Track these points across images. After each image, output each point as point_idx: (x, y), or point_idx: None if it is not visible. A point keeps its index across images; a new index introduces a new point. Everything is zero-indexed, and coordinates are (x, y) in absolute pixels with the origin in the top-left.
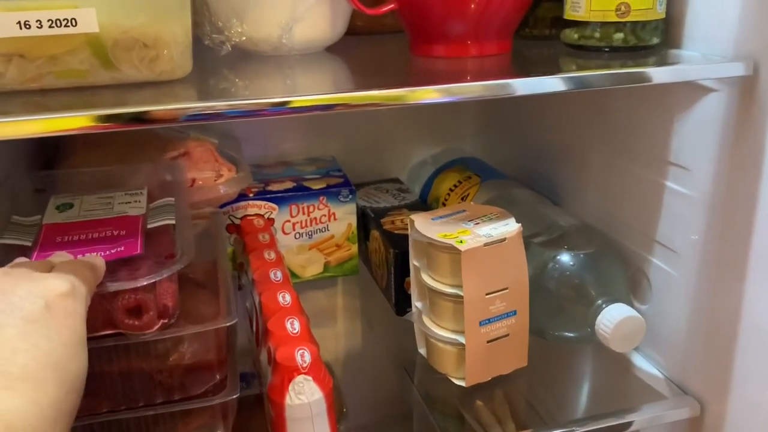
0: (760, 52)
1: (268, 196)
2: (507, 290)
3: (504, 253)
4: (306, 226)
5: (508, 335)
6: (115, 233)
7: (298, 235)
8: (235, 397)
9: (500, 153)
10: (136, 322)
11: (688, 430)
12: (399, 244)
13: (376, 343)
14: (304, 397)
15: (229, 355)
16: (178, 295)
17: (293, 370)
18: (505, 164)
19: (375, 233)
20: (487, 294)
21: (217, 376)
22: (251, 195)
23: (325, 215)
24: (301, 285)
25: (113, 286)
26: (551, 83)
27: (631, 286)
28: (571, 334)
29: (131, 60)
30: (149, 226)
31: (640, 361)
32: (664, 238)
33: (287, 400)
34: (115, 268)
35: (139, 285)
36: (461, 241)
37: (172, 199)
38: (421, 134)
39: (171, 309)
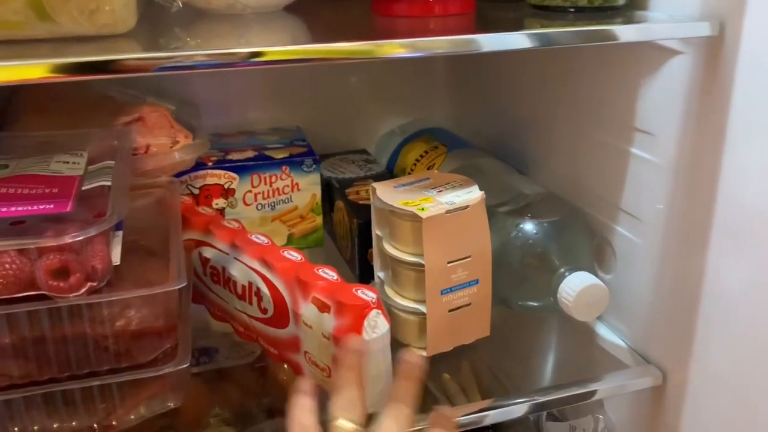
0: (726, 12)
1: (228, 165)
2: (469, 258)
3: (466, 220)
4: (268, 196)
5: (470, 304)
6: (47, 191)
7: (260, 206)
8: (185, 366)
9: (469, 123)
10: (62, 284)
11: (650, 398)
12: (363, 214)
13: None
14: (379, 330)
15: (180, 322)
16: (122, 262)
17: (365, 307)
18: (473, 134)
19: (339, 204)
20: (448, 262)
21: (167, 344)
22: (210, 164)
23: (288, 186)
24: None
25: (36, 243)
26: (517, 39)
27: (596, 254)
28: (535, 303)
29: (69, 11)
30: (84, 188)
31: (603, 331)
32: (629, 206)
33: (365, 336)
34: (43, 227)
35: (63, 243)
36: (423, 209)
37: (112, 162)
38: (389, 105)
39: (100, 271)
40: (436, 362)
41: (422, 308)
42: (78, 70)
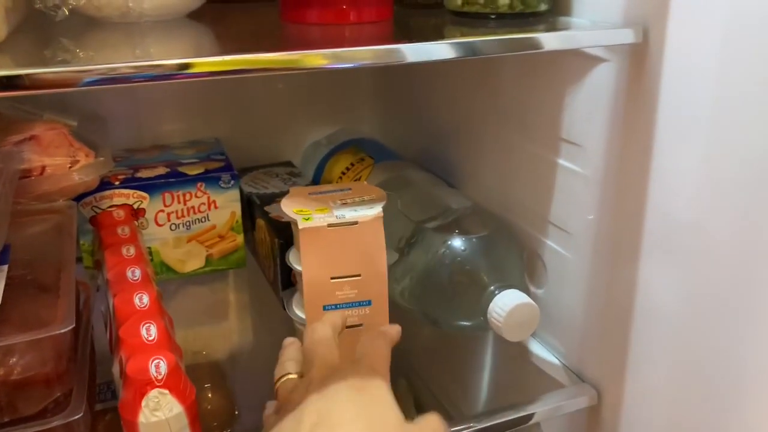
0: (650, 18)
1: (136, 183)
2: (359, 277)
3: (355, 237)
4: (183, 216)
5: (361, 325)
6: None
7: (174, 227)
8: (78, 416)
9: (396, 134)
10: None
11: (586, 417)
12: (285, 233)
13: (269, 339)
14: (161, 414)
15: (73, 367)
16: (3, 301)
17: (146, 384)
18: (402, 146)
19: (260, 222)
20: (332, 278)
21: (58, 392)
22: (117, 183)
23: (204, 203)
24: (184, 281)
25: None
26: (441, 50)
27: (526, 268)
28: (466, 323)
29: None
30: None
31: (538, 349)
32: (557, 219)
33: (141, 418)
34: None
35: None
36: (308, 218)
37: None
38: (315, 114)
39: None
40: None
41: None
42: None
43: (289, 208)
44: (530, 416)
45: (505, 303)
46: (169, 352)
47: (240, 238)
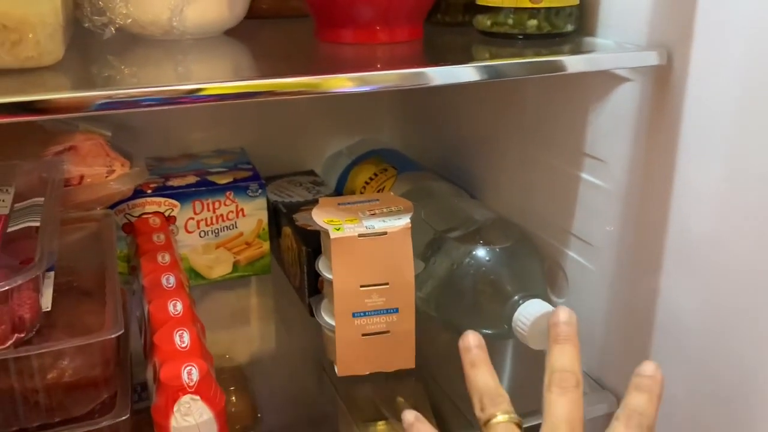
0: (674, 41)
1: (168, 192)
2: (387, 286)
3: (384, 247)
4: (212, 223)
5: (388, 332)
6: None
7: (203, 234)
8: (125, 418)
9: (418, 144)
10: None
11: (605, 426)
12: (312, 241)
13: (292, 344)
14: (192, 419)
15: (118, 370)
16: (54, 306)
17: (178, 390)
18: (423, 156)
19: (287, 230)
20: (361, 286)
21: (105, 395)
22: (149, 191)
23: (232, 212)
24: (210, 287)
25: None
26: (467, 73)
27: (548, 279)
28: (489, 331)
29: None
30: (9, 229)
31: None
32: (580, 231)
33: (172, 422)
34: None
35: None
36: (339, 229)
37: (42, 199)
38: (336, 124)
39: (28, 321)
40: (391, 390)
41: None
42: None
43: (320, 218)
44: None
45: (530, 312)
46: (201, 359)
47: (266, 245)
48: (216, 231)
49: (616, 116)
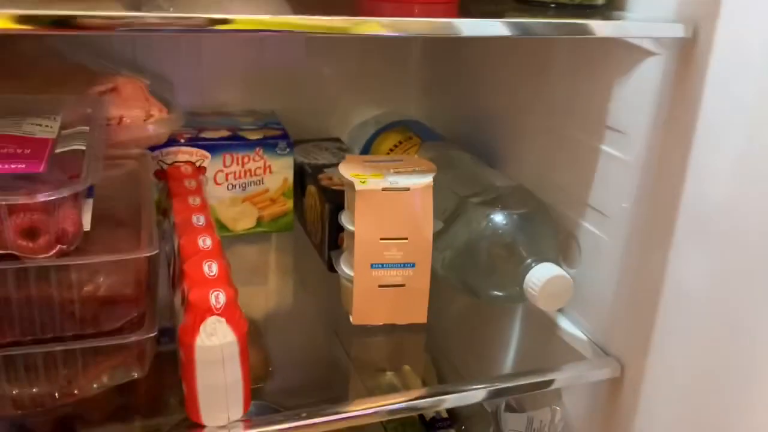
0: (701, 17)
1: (201, 143)
2: (406, 240)
3: (405, 202)
4: (240, 177)
5: (403, 285)
6: (19, 151)
7: (230, 186)
8: (152, 336)
9: (442, 117)
10: (30, 244)
11: (607, 391)
12: (334, 199)
13: (307, 302)
14: (216, 339)
15: (148, 292)
16: (93, 228)
17: (206, 311)
18: (446, 128)
19: (311, 188)
20: (381, 238)
21: (134, 313)
22: (183, 141)
23: (260, 167)
24: (232, 239)
25: (8, 200)
26: (495, 26)
27: (561, 248)
28: (502, 293)
29: None
30: (57, 151)
31: (565, 324)
32: (596, 202)
33: (198, 341)
34: (14, 185)
35: (35, 202)
36: (363, 182)
37: (87, 127)
38: (363, 97)
39: (70, 234)
40: (398, 354)
41: None
42: (33, 21)
43: (347, 171)
44: (551, 381)
45: (542, 274)
46: (229, 287)
47: (290, 203)
48: (243, 185)
49: (639, 90)
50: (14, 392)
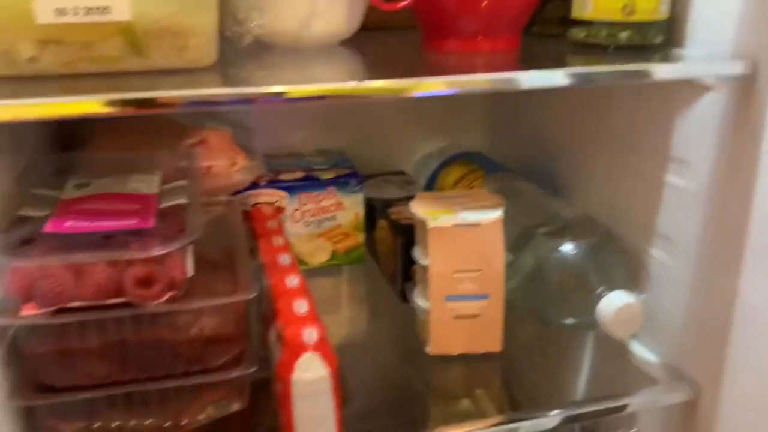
0: (760, 53)
1: (279, 185)
2: (479, 272)
3: (477, 237)
4: (315, 214)
5: (478, 316)
6: (129, 208)
7: (307, 224)
8: (252, 371)
9: (503, 149)
10: (145, 292)
11: (682, 414)
12: (405, 233)
13: (379, 331)
14: (311, 374)
15: (246, 330)
16: (193, 273)
17: (301, 348)
18: (508, 160)
19: (382, 222)
20: (455, 272)
21: (236, 350)
22: (262, 184)
23: (333, 204)
24: (308, 272)
25: (126, 255)
26: (555, 77)
27: (630, 275)
28: (573, 321)
29: (161, 48)
30: (162, 206)
31: (637, 348)
32: (663, 230)
33: (294, 377)
34: (127, 240)
35: (150, 255)
36: (436, 219)
37: (184, 181)
38: (426, 129)
39: (179, 281)
40: (471, 380)
41: None
42: (116, 105)
43: (419, 209)
44: (625, 406)
45: (613, 302)
46: (319, 324)
47: (361, 237)
48: (318, 222)
49: (701, 123)
50: (132, 424)
